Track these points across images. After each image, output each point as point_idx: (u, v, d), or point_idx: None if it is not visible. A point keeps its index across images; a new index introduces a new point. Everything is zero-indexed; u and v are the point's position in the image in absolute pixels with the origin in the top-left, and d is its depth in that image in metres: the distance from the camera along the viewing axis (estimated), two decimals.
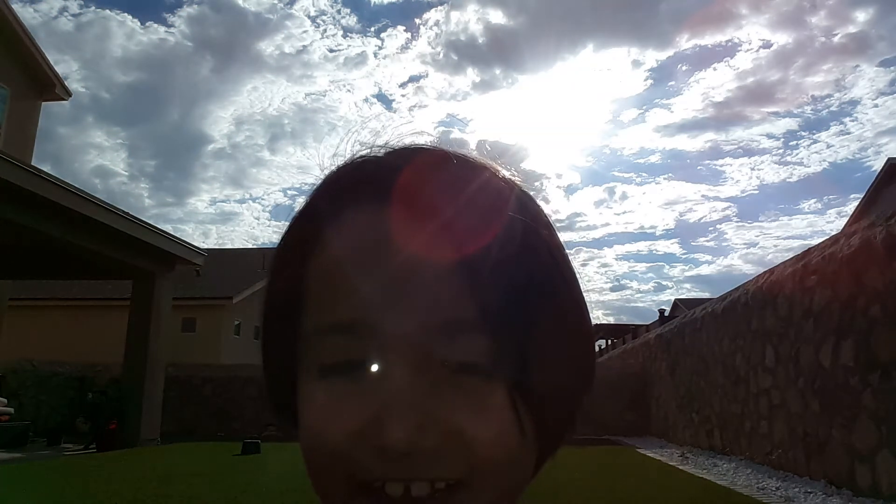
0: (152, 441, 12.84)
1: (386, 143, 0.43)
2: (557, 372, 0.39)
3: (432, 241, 0.36)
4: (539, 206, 0.44)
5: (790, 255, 8.17)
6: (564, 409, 0.42)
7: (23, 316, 20.68)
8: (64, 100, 17.29)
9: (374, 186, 0.39)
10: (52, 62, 16.18)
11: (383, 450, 0.34)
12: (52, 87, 16.30)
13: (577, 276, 0.44)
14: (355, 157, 0.43)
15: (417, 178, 0.38)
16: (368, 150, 0.43)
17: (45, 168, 9.24)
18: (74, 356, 17.57)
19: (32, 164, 11.15)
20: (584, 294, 0.44)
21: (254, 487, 7.07)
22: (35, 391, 15.15)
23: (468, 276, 0.35)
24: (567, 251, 0.44)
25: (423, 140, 0.44)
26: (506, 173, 0.43)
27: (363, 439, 0.35)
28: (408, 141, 0.44)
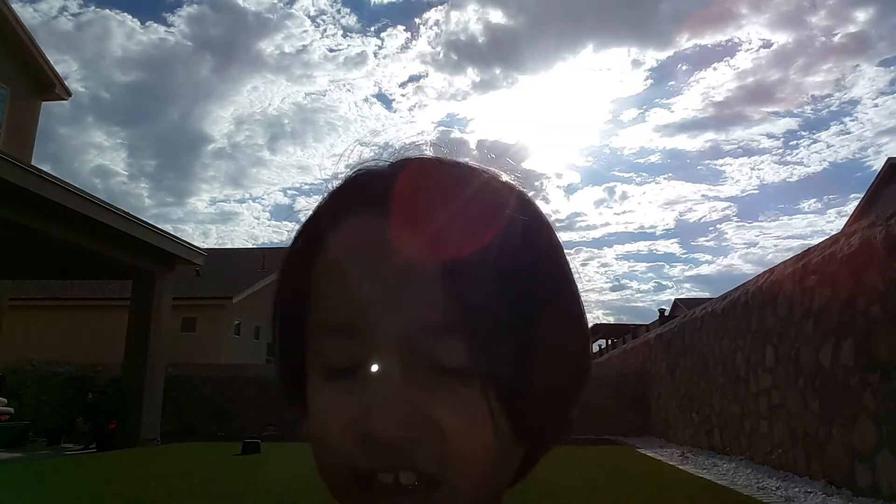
0: (152, 441, 12.85)
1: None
2: (547, 374, 0.41)
3: (421, 248, 0.38)
4: (538, 209, 0.46)
5: (790, 254, 8.18)
6: (553, 410, 0.44)
7: (23, 316, 20.70)
8: (64, 100, 17.27)
9: (369, 196, 0.42)
10: (51, 62, 16.17)
11: (370, 440, 0.37)
12: (51, 86, 16.28)
13: (576, 277, 0.45)
14: (355, 166, 0.46)
15: (411, 187, 0.41)
16: (369, 159, 0.46)
17: (45, 168, 9.29)
18: (74, 356, 17.57)
19: (32, 163, 11.15)
20: (584, 294, 0.46)
21: (254, 487, 7.07)
22: (35, 391, 15.15)
23: (454, 280, 0.38)
24: (566, 252, 0.46)
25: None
26: (505, 177, 0.45)
27: (355, 433, 0.38)
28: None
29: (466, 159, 0.45)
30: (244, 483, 7.40)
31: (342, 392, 0.39)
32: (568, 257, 0.45)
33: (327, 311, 0.41)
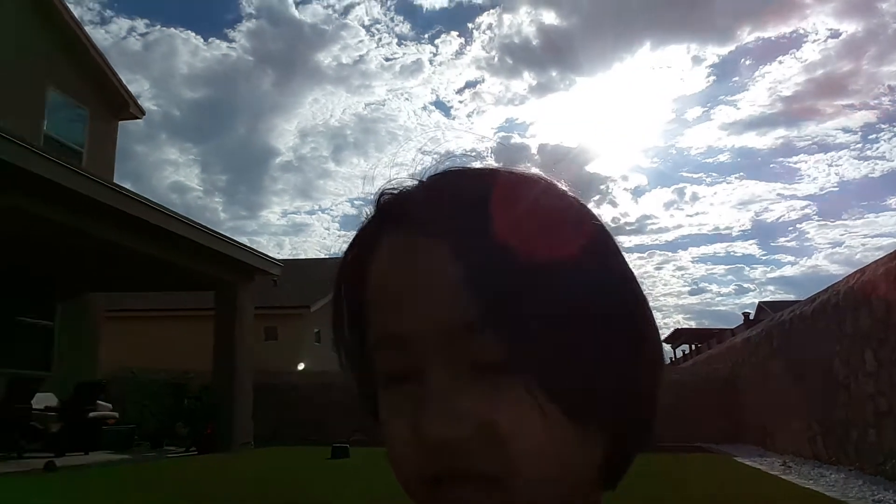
0: (246, 444, 13.27)
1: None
2: (606, 367, 0.41)
3: (450, 259, 0.40)
4: (581, 211, 0.46)
5: (881, 253, 7.68)
6: (619, 406, 0.43)
7: (119, 326, 21.79)
8: (138, 118, 17.46)
9: (407, 215, 0.44)
10: (124, 81, 16.31)
11: (425, 445, 0.39)
12: (126, 106, 16.41)
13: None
14: (397, 184, 0.47)
15: (442, 203, 0.43)
16: (428, 167, 0.47)
17: (127, 185, 9.52)
18: (167, 364, 18.34)
19: (115, 181, 11.55)
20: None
21: (348, 490, 7.27)
22: (136, 397, 15.88)
23: (484, 279, 0.39)
24: (636, 255, 0.46)
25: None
26: (562, 186, 0.46)
27: (414, 439, 0.40)
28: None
29: (529, 165, 0.47)
30: (339, 486, 7.62)
31: (401, 399, 0.41)
32: (642, 260, 0.45)
33: (377, 324, 0.43)
